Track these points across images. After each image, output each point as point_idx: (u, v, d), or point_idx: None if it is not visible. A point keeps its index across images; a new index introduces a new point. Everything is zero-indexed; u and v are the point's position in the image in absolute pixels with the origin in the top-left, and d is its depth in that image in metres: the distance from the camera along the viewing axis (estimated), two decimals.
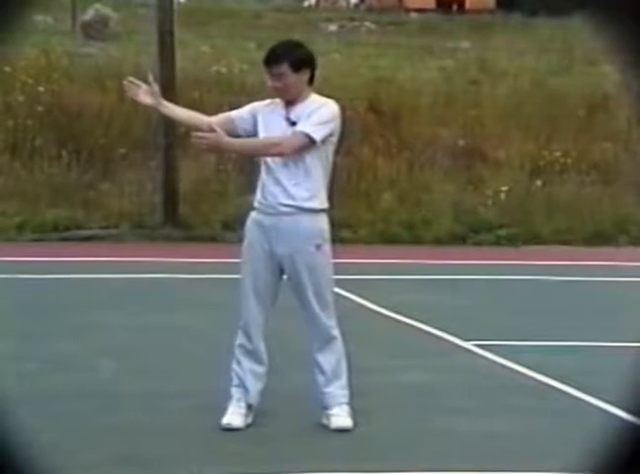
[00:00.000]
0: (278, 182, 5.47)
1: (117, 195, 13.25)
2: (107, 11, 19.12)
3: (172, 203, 12.97)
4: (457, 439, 5.53)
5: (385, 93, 15.41)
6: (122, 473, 5.00)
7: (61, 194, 13.11)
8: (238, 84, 15.12)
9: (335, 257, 5.66)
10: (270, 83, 5.49)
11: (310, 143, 5.41)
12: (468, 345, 7.66)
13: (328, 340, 5.56)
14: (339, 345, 5.59)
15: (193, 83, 14.57)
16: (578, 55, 18.47)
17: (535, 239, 13.18)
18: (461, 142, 14.78)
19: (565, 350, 7.66)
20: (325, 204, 5.53)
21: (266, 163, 5.54)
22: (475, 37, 20.67)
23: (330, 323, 5.56)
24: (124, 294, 9.37)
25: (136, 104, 5.68)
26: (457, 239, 13.10)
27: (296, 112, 5.47)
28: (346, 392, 5.63)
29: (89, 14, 18.90)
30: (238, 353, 5.61)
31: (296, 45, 5.59)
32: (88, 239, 12.47)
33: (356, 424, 5.59)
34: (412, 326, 8.24)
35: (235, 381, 5.61)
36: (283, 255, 5.50)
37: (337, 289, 5.81)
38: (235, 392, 5.60)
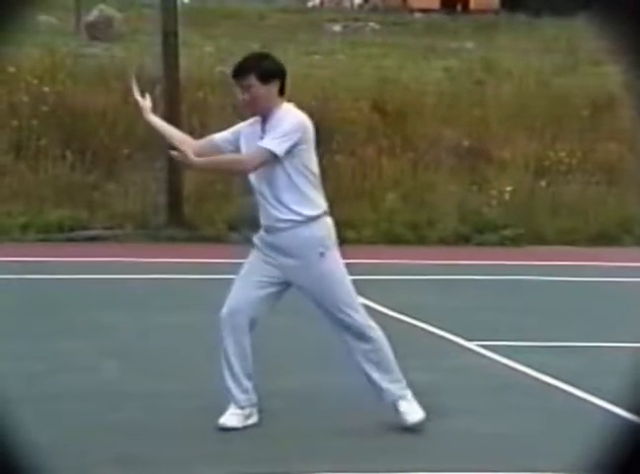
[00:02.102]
0: (267, 200, 5.48)
1: (121, 195, 13.26)
2: (111, 11, 19.13)
3: (176, 204, 12.97)
4: (460, 439, 5.53)
5: (389, 93, 15.40)
6: (125, 473, 5.00)
7: (66, 194, 13.12)
8: None
9: None
10: (239, 96, 5.49)
11: (273, 157, 5.39)
12: (472, 345, 7.66)
13: (365, 339, 5.54)
14: (378, 340, 5.57)
15: (197, 83, 14.57)
16: (583, 55, 18.45)
17: (540, 239, 13.17)
18: (466, 142, 14.77)
19: (569, 350, 7.66)
20: (319, 210, 5.51)
21: (251, 183, 5.56)
22: (479, 37, 20.66)
23: (362, 321, 5.55)
24: (128, 295, 9.37)
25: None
26: (462, 239, 13.09)
27: (269, 127, 5.47)
28: (402, 384, 5.61)
29: (93, 14, 18.91)
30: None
31: (263, 57, 5.61)
32: (92, 239, 12.48)
33: (358, 424, 5.59)
34: (415, 326, 8.24)
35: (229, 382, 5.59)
36: (290, 269, 5.49)
37: None
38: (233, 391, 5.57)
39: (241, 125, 5.63)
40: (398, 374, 5.62)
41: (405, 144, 14.45)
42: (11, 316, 8.21)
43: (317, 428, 5.60)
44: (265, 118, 5.48)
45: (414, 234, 13.07)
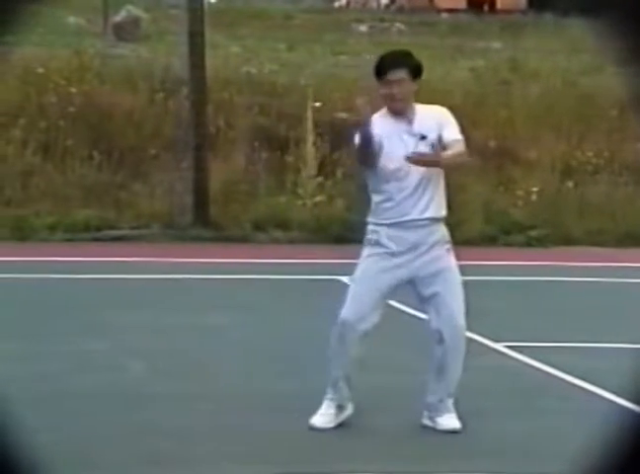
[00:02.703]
0: (412, 196, 5.42)
1: (147, 195, 13.30)
2: (138, 12, 19.21)
3: (202, 204, 13.00)
4: (487, 440, 5.51)
5: (415, 93, 15.37)
6: (154, 471, 5.01)
7: (93, 194, 13.19)
8: (268, 84, 15.14)
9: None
10: (384, 91, 5.43)
11: None
12: (499, 346, 7.63)
13: (460, 345, 5.57)
14: (464, 352, 5.61)
15: (223, 84, 14.60)
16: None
17: (567, 240, 13.12)
18: (492, 143, 14.72)
19: (596, 351, 7.61)
20: (446, 211, 5.57)
21: (395, 179, 5.42)
22: (506, 37, 20.60)
23: (464, 329, 5.58)
24: (155, 295, 9.40)
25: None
26: (488, 240, 13.05)
27: (420, 124, 5.46)
28: (452, 399, 5.64)
29: (120, 15, 19.00)
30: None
31: (410, 54, 5.66)
32: (119, 239, 12.53)
33: (383, 424, 5.58)
34: None
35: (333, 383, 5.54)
36: (418, 265, 5.46)
37: None
38: (329, 391, 5.54)
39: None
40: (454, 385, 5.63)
41: None
42: (38, 315, 8.25)
43: (351, 428, 5.58)
44: (403, 116, 5.44)
45: None
